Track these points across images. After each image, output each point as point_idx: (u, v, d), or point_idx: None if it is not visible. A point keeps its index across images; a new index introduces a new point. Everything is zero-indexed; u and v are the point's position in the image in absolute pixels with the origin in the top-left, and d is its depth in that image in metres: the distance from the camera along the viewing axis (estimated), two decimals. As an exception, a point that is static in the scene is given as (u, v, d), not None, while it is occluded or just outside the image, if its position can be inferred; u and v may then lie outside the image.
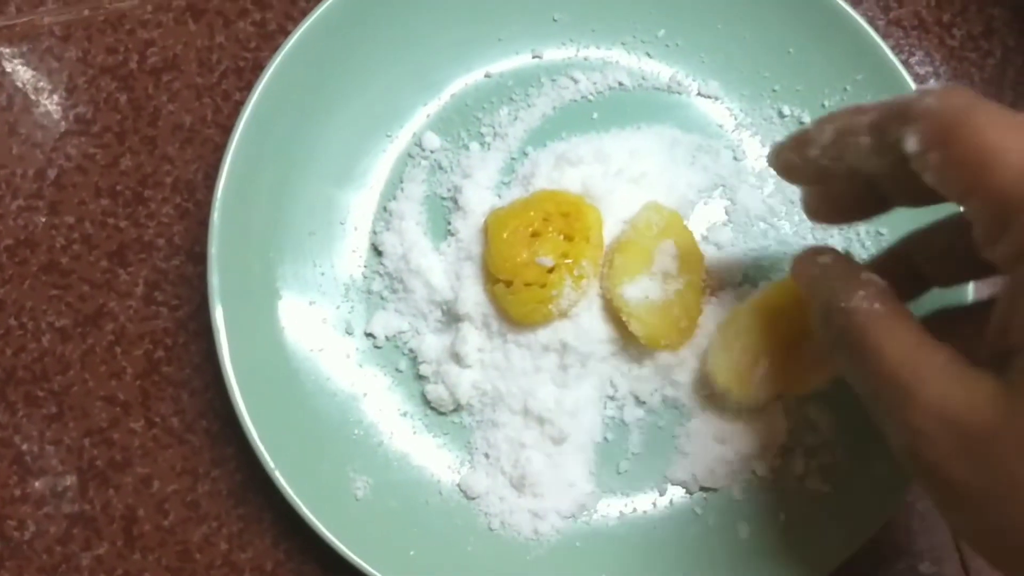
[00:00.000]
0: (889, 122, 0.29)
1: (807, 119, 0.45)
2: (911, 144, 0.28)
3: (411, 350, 0.43)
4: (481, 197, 0.44)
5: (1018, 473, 0.26)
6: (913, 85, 0.43)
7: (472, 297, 0.42)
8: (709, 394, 0.42)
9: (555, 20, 0.46)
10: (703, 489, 0.42)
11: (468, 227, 0.43)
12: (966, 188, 0.27)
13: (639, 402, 0.42)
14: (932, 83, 0.30)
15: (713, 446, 0.42)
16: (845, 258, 0.34)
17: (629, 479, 0.42)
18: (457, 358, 0.42)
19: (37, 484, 0.44)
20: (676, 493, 0.42)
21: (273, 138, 0.43)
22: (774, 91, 0.45)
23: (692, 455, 0.42)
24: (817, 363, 0.39)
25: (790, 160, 0.34)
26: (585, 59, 0.46)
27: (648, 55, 0.46)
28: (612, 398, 0.42)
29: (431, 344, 0.43)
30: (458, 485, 0.42)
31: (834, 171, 0.32)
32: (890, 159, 0.29)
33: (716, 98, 0.46)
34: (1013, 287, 0.27)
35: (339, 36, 0.43)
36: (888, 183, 0.33)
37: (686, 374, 0.42)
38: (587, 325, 0.41)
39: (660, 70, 0.46)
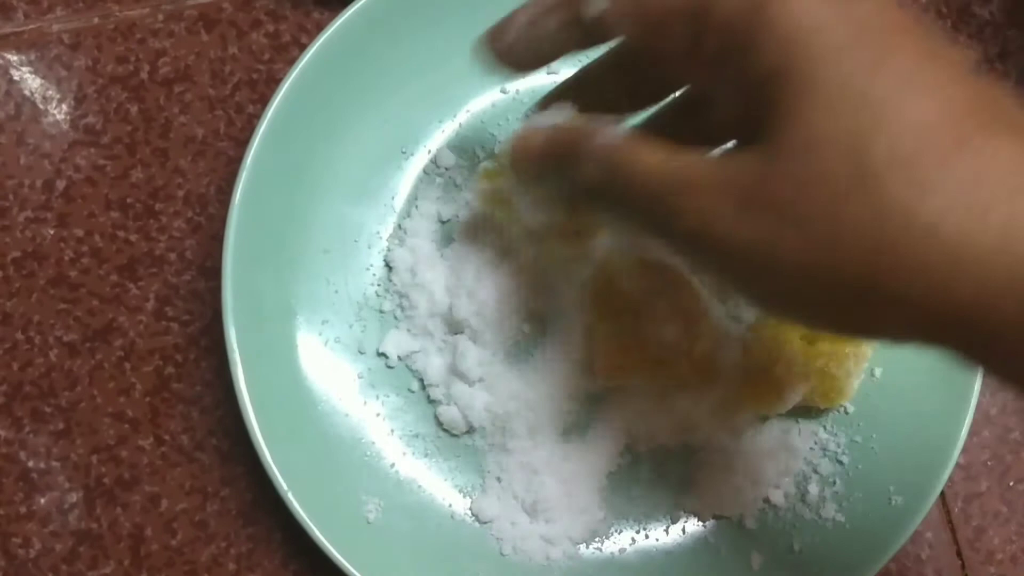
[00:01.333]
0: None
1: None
2: (594, 6, 0.32)
3: (417, 371, 0.43)
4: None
5: (792, 207, 0.26)
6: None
7: (466, 305, 0.41)
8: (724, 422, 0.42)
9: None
10: (716, 517, 0.42)
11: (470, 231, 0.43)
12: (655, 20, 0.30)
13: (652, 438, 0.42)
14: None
15: (726, 474, 0.41)
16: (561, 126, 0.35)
17: (641, 506, 0.42)
18: (461, 375, 0.42)
19: (43, 501, 0.43)
20: (689, 521, 0.42)
21: (288, 153, 0.42)
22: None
23: (705, 483, 0.42)
24: (789, 381, 0.40)
25: (499, 47, 0.35)
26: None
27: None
28: (630, 435, 0.42)
29: (436, 366, 0.42)
30: (470, 509, 0.42)
31: (541, 51, 0.35)
32: (585, 30, 0.33)
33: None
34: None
35: (355, 51, 0.43)
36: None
37: (704, 417, 0.42)
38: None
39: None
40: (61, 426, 0.44)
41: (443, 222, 0.44)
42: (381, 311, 0.43)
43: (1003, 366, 0.26)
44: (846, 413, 0.42)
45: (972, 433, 0.45)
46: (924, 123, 0.25)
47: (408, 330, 0.43)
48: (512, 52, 0.35)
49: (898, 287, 0.25)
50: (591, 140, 0.32)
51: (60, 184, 0.46)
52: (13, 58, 0.47)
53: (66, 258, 0.45)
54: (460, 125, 0.45)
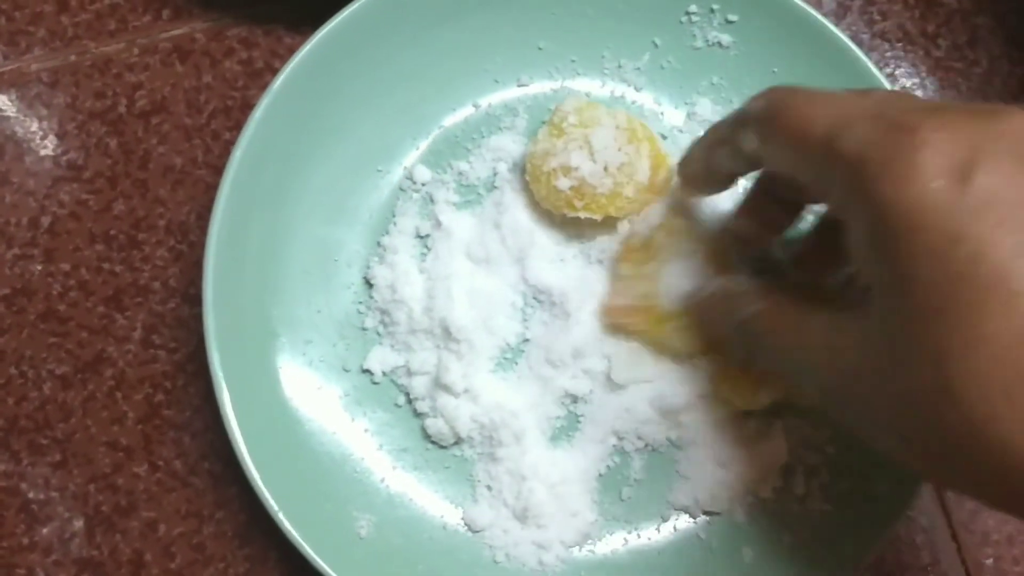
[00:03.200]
0: (735, 131, 0.35)
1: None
2: (748, 143, 0.34)
3: (402, 385, 0.43)
4: (454, 213, 0.44)
5: (875, 400, 0.29)
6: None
7: (448, 318, 0.42)
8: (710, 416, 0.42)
9: (540, 49, 0.46)
10: (706, 513, 0.42)
11: (447, 244, 0.44)
12: (787, 154, 0.32)
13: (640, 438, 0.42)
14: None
15: (714, 470, 0.42)
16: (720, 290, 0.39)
17: (632, 506, 0.42)
18: (446, 388, 0.42)
19: (45, 531, 0.44)
20: (679, 518, 0.42)
21: (264, 177, 0.43)
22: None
23: (694, 479, 0.42)
24: (765, 377, 0.40)
25: (686, 174, 0.41)
26: (569, 89, 0.46)
27: (631, 80, 0.46)
28: (618, 436, 0.42)
29: (421, 379, 0.43)
30: (461, 519, 0.42)
31: (718, 177, 0.39)
32: (746, 160, 0.35)
33: (704, 120, 0.46)
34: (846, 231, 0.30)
35: (326, 73, 0.43)
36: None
37: (690, 413, 0.42)
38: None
39: (644, 96, 0.46)
40: (58, 457, 0.45)
41: (421, 237, 0.44)
42: (363, 328, 0.44)
43: None
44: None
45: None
46: None
47: (391, 346, 0.43)
48: (697, 180, 0.40)
49: None
50: (735, 312, 0.37)
51: (45, 220, 0.46)
52: (-6, 99, 0.48)
53: (54, 292, 0.46)
54: (434, 141, 0.45)
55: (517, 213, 0.44)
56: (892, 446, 0.30)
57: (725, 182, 0.39)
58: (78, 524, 0.44)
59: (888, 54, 0.49)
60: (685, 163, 0.40)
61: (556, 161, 0.41)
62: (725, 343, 0.40)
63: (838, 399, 0.31)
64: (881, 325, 0.28)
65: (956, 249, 0.25)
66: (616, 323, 0.42)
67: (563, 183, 0.41)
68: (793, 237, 0.42)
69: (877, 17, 0.49)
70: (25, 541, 0.44)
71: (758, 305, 0.36)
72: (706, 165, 0.39)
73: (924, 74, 0.49)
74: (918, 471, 0.32)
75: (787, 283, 0.40)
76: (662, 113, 0.46)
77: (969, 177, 0.26)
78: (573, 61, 0.46)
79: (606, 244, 0.43)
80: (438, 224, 0.44)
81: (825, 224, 0.40)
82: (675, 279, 0.41)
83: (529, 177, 0.43)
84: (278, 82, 0.42)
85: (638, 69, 0.46)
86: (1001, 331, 0.25)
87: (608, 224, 0.43)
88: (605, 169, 0.41)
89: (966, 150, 0.26)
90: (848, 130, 0.29)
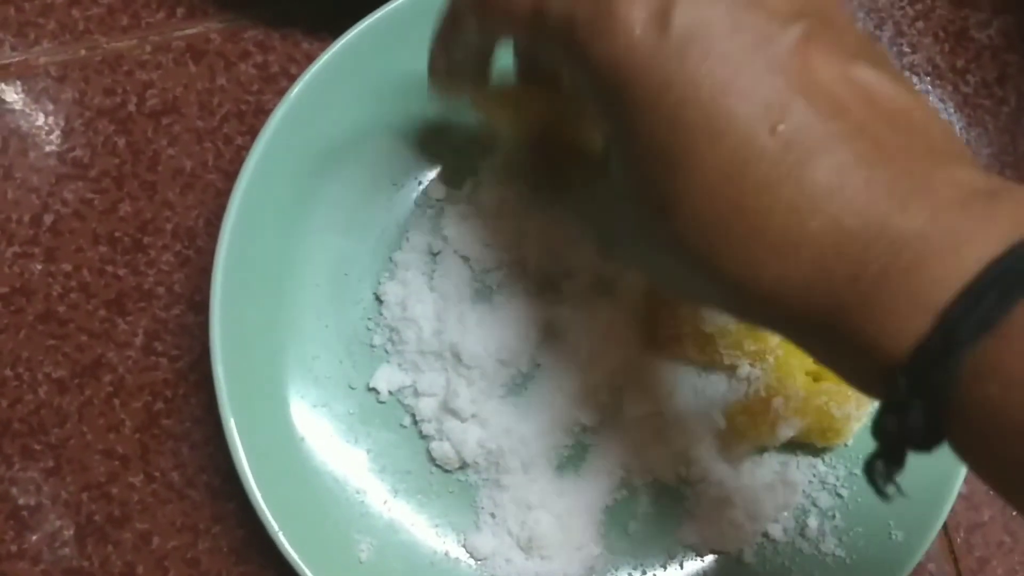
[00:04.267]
0: (456, 22, 0.34)
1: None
2: (471, 31, 0.33)
3: (408, 406, 0.42)
4: (466, 234, 0.43)
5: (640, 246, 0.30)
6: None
7: (458, 341, 0.41)
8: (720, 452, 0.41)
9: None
10: (714, 552, 0.41)
11: (455, 264, 0.43)
12: (506, 30, 0.32)
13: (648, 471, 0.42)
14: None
15: (724, 508, 0.41)
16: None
17: (638, 541, 0.41)
18: (453, 412, 0.41)
19: (34, 539, 0.43)
20: (687, 557, 0.41)
21: (277, 186, 0.42)
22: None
23: (702, 517, 0.41)
24: (785, 415, 0.40)
25: (439, 79, 0.37)
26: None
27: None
28: (626, 469, 0.42)
29: (428, 401, 0.42)
30: (464, 546, 0.41)
31: (470, 65, 0.36)
32: (478, 46, 0.34)
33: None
34: None
35: (345, 82, 0.42)
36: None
37: (702, 448, 0.41)
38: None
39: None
40: (51, 463, 0.44)
41: (434, 254, 0.43)
42: (372, 345, 0.43)
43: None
44: (845, 446, 0.42)
45: (973, 462, 0.44)
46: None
47: (399, 364, 0.42)
48: (452, 78, 0.37)
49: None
50: None
51: (48, 219, 0.45)
52: (0, 90, 0.46)
53: (54, 293, 0.45)
54: (451, 156, 0.44)
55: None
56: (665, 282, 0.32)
57: (477, 69, 0.37)
58: (69, 533, 0.43)
59: (916, 87, 0.48)
60: (432, 67, 0.37)
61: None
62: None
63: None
64: (617, 175, 0.28)
65: (665, 97, 0.25)
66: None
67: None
68: None
69: (907, 49, 0.48)
70: (14, 548, 0.43)
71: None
72: (451, 61, 0.36)
73: (952, 110, 0.48)
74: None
75: None
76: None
77: (667, 21, 0.26)
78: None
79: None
80: (445, 239, 0.43)
81: None
82: None
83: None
84: (296, 90, 0.41)
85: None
86: (712, 172, 0.25)
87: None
88: None
89: None
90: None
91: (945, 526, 0.44)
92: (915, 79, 0.48)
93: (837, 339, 0.25)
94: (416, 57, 0.43)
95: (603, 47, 0.26)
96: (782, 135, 0.24)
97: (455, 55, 0.36)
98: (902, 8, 0.49)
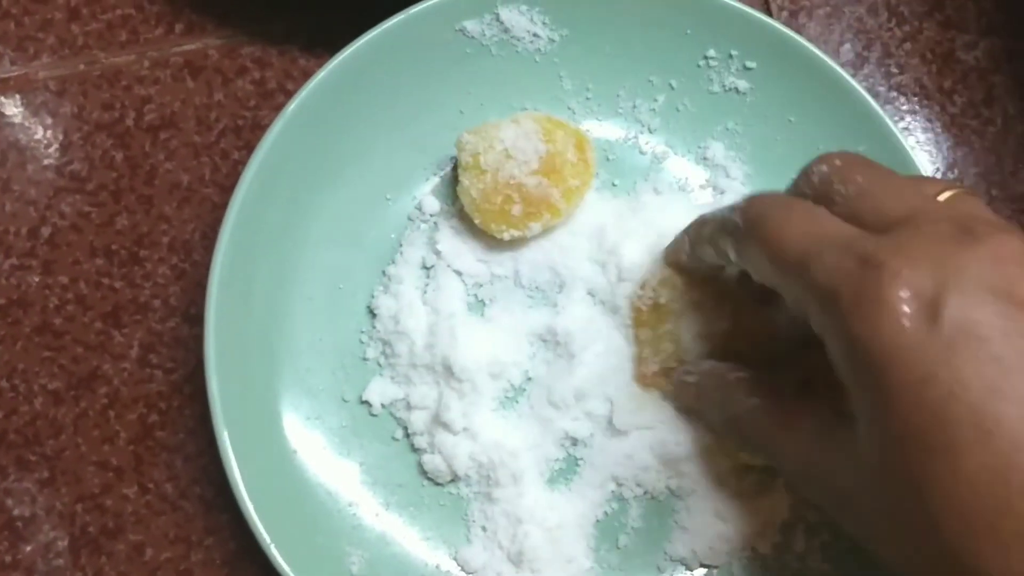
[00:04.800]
0: (717, 235, 0.35)
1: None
2: (732, 254, 0.34)
3: (400, 419, 0.43)
4: (459, 248, 0.44)
5: (869, 517, 0.30)
6: (914, 156, 0.43)
7: (451, 355, 0.41)
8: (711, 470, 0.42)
9: (560, 77, 0.46)
10: (703, 566, 0.41)
11: (448, 278, 0.43)
12: (766, 269, 0.32)
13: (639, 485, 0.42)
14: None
15: (713, 522, 0.41)
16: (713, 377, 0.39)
17: (628, 555, 0.42)
18: (446, 426, 0.41)
19: (28, 550, 0.43)
20: (676, 570, 0.42)
21: (273, 200, 0.42)
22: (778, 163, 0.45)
23: (692, 531, 0.41)
24: None
25: (672, 263, 0.40)
26: (587, 131, 0.45)
27: (645, 121, 0.46)
28: (617, 482, 0.42)
29: (420, 414, 0.42)
30: (455, 559, 0.41)
31: (704, 269, 0.39)
32: (729, 261, 0.35)
33: (716, 164, 0.46)
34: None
35: (341, 99, 0.43)
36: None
37: (692, 462, 0.41)
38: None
39: (656, 138, 0.46)
40: (46, 474, 0.44)
41: (427, 268, 0.44)
42: (364, 358, 0.43)
43: None
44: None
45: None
46: None
47: (391, 378, 0.43)
48: (684, 268, 0.40)
49: None
50: (726, 405, 0.38)
51: (45, 231, 0.46)
52: (-1, 105, 0.47)
53: (51, 305, 0.45)
54: (444, 171, 0.45)
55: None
56: (888, 559, 0.30)
57: (713, 271, 0.39)
58: (63, 544, 0.43)
59: (904, 108, 0.49)
60: (672, 252, 0.40)
61: (499, 190, 0.41)
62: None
63: (832, 508, 0.32)
64: (867, 450, 0.28)
65: (929, 389, 0.26)
66: (654, 386, 0.42)
67: (517, 209, 0.42)
68: None
69: (895, 70, 0.49)
70: (8, 559, 0.43)
71: (750, 401, 0.36)
72: (691, 259, 0.39)
73: (939, 130, 0.49)
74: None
75: (782, 370, 0.39)
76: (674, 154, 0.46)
77: (937, 314, 0.26)
78: (588, 99, 0.46)
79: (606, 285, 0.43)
80: (439, 253, 0.44)
81: None
82: (693, 331, 0.40)
83: (482, 221, 0.43)
84: (292, 106, 0.42)
85: (653, 110, 0.46)
86: (978, 469, 0.25)
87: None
88: (538, 167, 0.41)
89: (934, 284, 0.26)
90: (819, 259, 0.29)
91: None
92: (903, 99, 0.49)
93: None
94: (410, 75, 0.44)
95: (866, 327, 0.27)
96: None
97: (699, 256, 0.38)
98: (890, 30, 0.50)
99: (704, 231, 0.37)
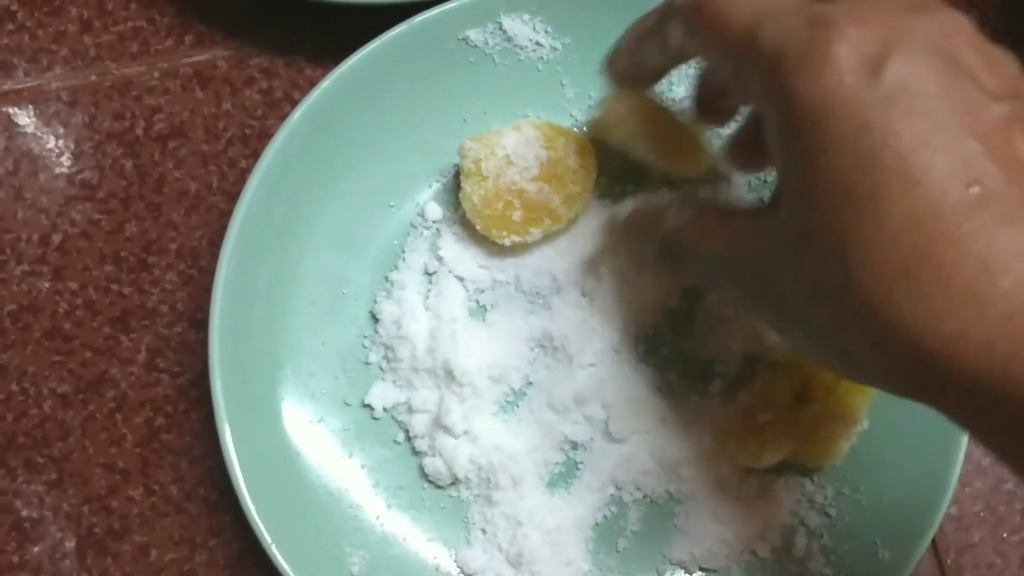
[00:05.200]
0: (661, 23, 0.35)
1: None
2: (674, 36, 0.33)
3: (402, 423, 0.43)
4: (461, 254, 0.44)
5: (786, 293, 0.30)
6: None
7: (452, 359, 0.42)
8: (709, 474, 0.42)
9: (563, 85, 0.46)
10: (702, 570, 0.41)
11: (449, 284, 0.44)
12: (711, 47, 0.31)
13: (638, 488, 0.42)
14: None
15: (713, 526, 0.41)
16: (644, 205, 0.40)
17: (627, 558, 0.42)
18: (446, 429, 0.42)
19: (36, 550, 0.44)
20: (675, 573, 0.42)
21: (278, 207, 0.43)
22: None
23: (691, 534, 0.41)
24: (773, 438, 0.40)
25: (615, 71, 0.39)
26: (584, 129, 0.46)
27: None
28: (616, 486, 0.42)
29: (421, 418, 0.43)
30: (455, 561, 0.42)
31: (647, 72, 0.38)
32: (674, 53, 0.35)
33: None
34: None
35: (345, 107, 0.44)
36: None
37: (691, 466, 0.41)
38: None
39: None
40: (54, 476, 0.44)
41: (430, 274, 0.44)
42: (367, 363, 0.44)
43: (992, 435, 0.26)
44: (834, 466, 0.42)
45: (964, 483, 0.45)
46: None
47: (393, 382, 0.43)
48: (626, 75, 0.39)
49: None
50: (659, 226, 0.37)
51: (56, 238, 0.47)
52: (13, 114, 0.48)
53: (61, 311, 0.46)
54: (447, 178, 0.46)
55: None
56: (802, 341, 0.31)
57: (655, 76, 0.38)
58: (70, 545, 0.44)
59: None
60: (613, 59, 0.39)
61: (500, 196, 0.42)
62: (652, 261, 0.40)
63: (755, 298, 0.32)
64: (789, 217, 0.29)
65: (862, 139, 0.26)
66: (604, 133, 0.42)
67: (518, 215, 0.42)
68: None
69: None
70: (15, 559, 0.44)
71: (681, 217, 0.37)
72: (634, 59, 0.38)
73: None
74: (827, 366, 0.32)
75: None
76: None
77: (880, 69, 0.26)
78: (590, 107, 0.46)
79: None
80: (441, 259, 0.44)
81: (752, 122, 0.39)
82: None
83: (483, 227, 0.43)
84: (297, 114, 0.42)
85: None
86: (899, 216, 0.25)
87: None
88: (539, 173, 0.42)
89: (881, 44, 0.26)
90: (768, 25, 0.29)
91: (935, 547, 0.45)
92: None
93: (1016, 410, 0.24)
94: (414, 84, 0.45)
95: (809, 82, 0.27)
96: (976, 195, 0.25)
97: (642, 55, 0.37)
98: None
99: (647, 22, 0.36)
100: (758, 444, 0.40)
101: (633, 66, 0.38)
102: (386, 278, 0.44)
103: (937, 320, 0.25)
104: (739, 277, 0.33)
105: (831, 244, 0.27)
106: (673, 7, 0.34)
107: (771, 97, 0.29)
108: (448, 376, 0.42)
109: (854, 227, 0.26)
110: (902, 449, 0.41)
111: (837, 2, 0.29)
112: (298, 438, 0.42)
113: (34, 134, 0.48)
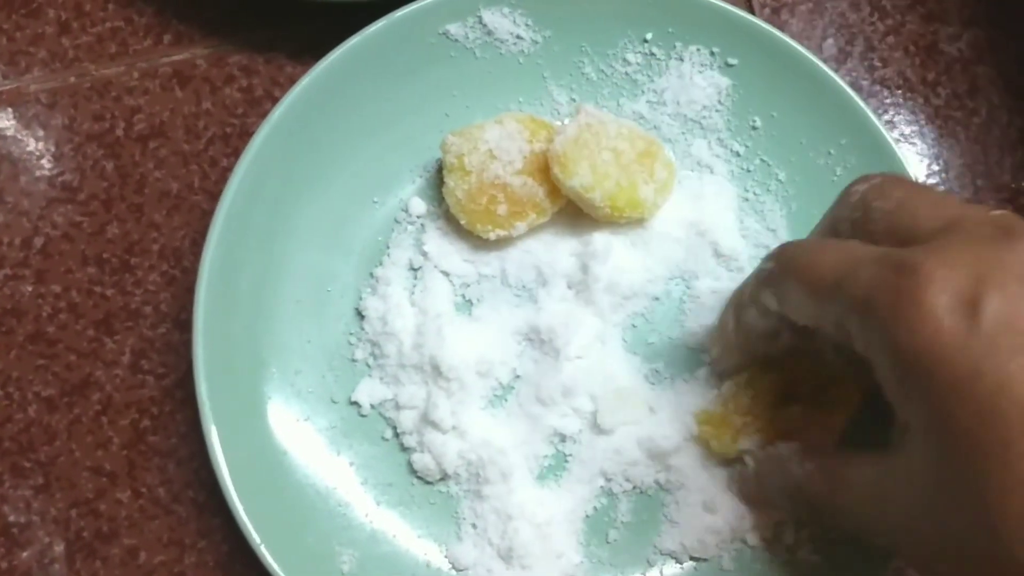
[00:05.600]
0: (756, 292, 0.35)
1: (782, 176, 0.45)
2: (770, 302, 0.34)
3: (390, 419, 0.43)
4: (446, 249, 0.44)
5: (931, 538, 0.29)
6: (898, 149, 0.43)
7: (438, 355, 0.42)
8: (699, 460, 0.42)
9: (544, 78, 0.46)
10: (693, 559, 0.41)
11: (435, 279, 0.44)
12: (811, 309, 0.32)
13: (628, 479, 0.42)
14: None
15: (703, 516, 0.41)
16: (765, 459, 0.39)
17: (618, 549, 0.42)
18: (435, 424, 0.42)
19: (24, 555, 0.44)
20: (666, 564, 0.42)
21: (260, 205, 0.43)
22: (761, 159, 0.45)
23: (682, 524, 0.41)
24: (750, 434, 0.40)
25: (724, 347, 0.40)
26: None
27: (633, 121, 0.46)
28: (606, 477, 0.42)
29: (409, 414, 0.42)
30: (445, 557, 0.42)
31: (753, 341, 0.38)
32: (774, 317, 0.35)
33: (701, 162, 0.46)
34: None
35: (326, 104, 0.43)
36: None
37: (680, 456, 0.41)
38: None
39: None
40: (41, 481, 0.44)
41: (415, 270, 0.44)
42: (353, 360, 0.43)
43: None
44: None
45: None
46: None
47: (380, 378, 0.43)
48: (734, 350, 0.40)
49: None
50: (786, 480, 0.37)
51: (38, 241, 0.46)
52: (-8, 118, 0.48)
53: (44, 314, 0.46)
54: (430, 173, 0.45)
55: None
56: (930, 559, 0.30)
57: (764, 344, 0.38)
58: (58, 549, 0.44)
59: (888, 101, 0.49)
60: (717, 336, 0.40)
61: (484, 190, 0.42)
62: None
63: (900, 540, 0.31)
64: (923, 465, 0.28)
65: (977, 386, 0.25)
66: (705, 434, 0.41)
67: (502, 208, 0.42)
68: None
69: (878, 64, 0.49)
70: (4, 565, 0.43)
71: (803, 468, 0.36)
72: (738, 332, 0.38)
73: (923, 122, 0.49)
74: None
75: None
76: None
77: (977, 310, 0.26)
78: (573, 99, 0.46)
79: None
80: (426, 255, 0.44)
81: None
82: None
83: (467, 221, 0.43)
84: (277, 112, 0.42)
85: (636, 109, 0.46)
86: None
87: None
88: (522, 166, 0.42)
89: (972, 281, 0.26)
90: (854, 274, 0.29)
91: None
92: (886, 92, 0.49)
93: None
94: (395, 79, 0.44)
95: (907, 332, 0.26)
96: None
97: (747, 325, 0.38)
98: (872, 23, 0.50)
99: (744, 293, 0.37)
100: (731, 433, 0.40)
101: (739, 338, 0.39)
102: (371, 274, 0.44)
103: None
104: (876, 527, 0.32)
105: (970, 495, 0.26)
106: (764, 273, 0.35)
107: (874, 348, 0.28)
108: (435, 371, 0.42)
109: (990, 479, 0.25)
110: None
111: (919, 246, 0.28)
112: (285, 437, 0.42)
113: (13, 137, 0.48)
